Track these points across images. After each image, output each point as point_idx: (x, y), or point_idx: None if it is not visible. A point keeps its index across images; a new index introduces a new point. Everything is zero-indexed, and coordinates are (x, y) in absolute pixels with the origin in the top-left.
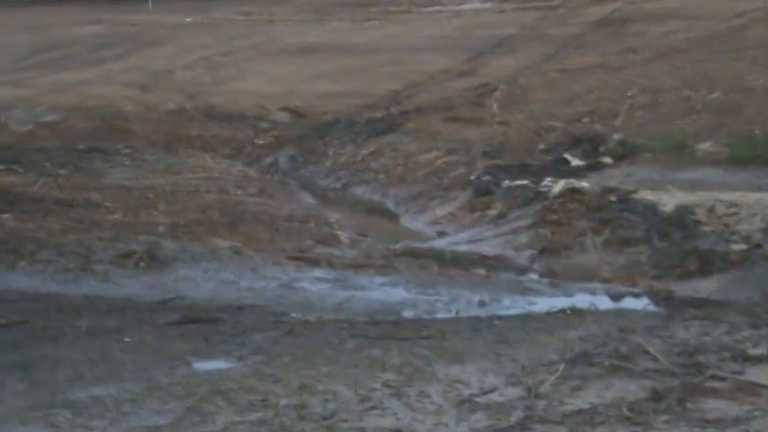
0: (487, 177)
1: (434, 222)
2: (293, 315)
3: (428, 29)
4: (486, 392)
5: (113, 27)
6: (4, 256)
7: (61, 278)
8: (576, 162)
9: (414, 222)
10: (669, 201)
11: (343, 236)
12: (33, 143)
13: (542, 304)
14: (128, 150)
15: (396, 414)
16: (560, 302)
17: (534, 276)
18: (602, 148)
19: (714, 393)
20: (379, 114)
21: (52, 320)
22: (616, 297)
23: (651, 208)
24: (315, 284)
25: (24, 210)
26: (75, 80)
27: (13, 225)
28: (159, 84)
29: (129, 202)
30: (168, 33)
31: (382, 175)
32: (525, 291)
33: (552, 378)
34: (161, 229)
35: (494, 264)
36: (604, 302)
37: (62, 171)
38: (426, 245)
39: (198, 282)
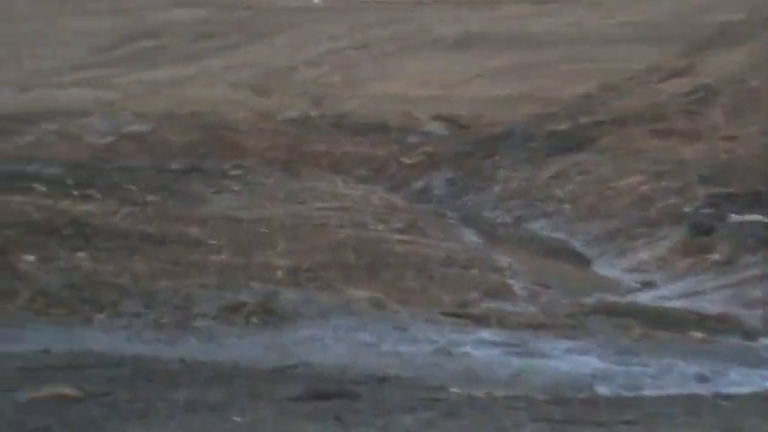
0: (708, 210)
1: (637, 269)
2: (453, 390)
3: (626, 13)
4: None
5: (219, 11)
6: (79, 308)
7: (151, 337)
8: None
9: (609, 269)
10: None
11: (518, 286)
12: (115, 160)
13: None
14: (237, 171)
15: None
16: None
17: None
18: None
19: None
20: (563, 126)
21: (140, 392)
22: None
23: None
24: (481, 349)
25: (103, 247)
26: (169, 79)
27: (89, 267)
28: (277, 85)
29: (239, 239)
30: (289, 19)
31: (568, 206)
32: (759, 362)
33: None
34: (279, 274)
35: (716, 325)
36: None
37: (151, 197)
38: (626, 299)
39: (327, 344)
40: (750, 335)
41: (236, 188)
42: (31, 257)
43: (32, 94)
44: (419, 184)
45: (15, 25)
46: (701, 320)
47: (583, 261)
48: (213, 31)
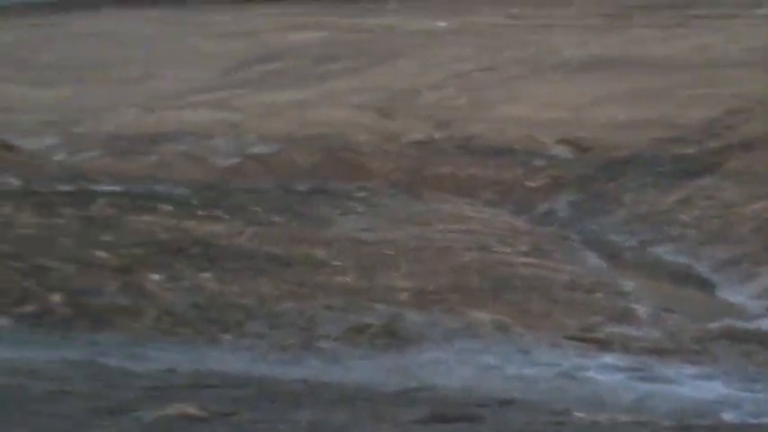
0: None
1: (762, 295)
2: (577, 414)
3: (753, 38)
4: None
5: (342, 33)
6: (205, 328)
7: (276, 357)
8: None
9: (734, 294)
10: None
11: (642, 310)
12: (240, 181)
13: None
14: (361, 193)
15: None
16: None
17: None
18: None
19: None
20: (689, 150)
21: (264, 413)
22: None
23: None
24: (605, 374)
25: (229, 268)
26: (293, 101)
27: (214, 288)
28: (401, 107)
29: (363, 261)
30: (413, 42)
31: (693, 231)
32: None
33: None
34: (403, 296)
35: None
36: None
37: (277, 218)
38: (753, 325)
39: (451, 366)
40: None
41: (360, 210)
42: (157, 277)
43: (158, 115)
44: (544, 207)
45: (141, 47)
46: None
47: (707, 286)
48: (337, 54)
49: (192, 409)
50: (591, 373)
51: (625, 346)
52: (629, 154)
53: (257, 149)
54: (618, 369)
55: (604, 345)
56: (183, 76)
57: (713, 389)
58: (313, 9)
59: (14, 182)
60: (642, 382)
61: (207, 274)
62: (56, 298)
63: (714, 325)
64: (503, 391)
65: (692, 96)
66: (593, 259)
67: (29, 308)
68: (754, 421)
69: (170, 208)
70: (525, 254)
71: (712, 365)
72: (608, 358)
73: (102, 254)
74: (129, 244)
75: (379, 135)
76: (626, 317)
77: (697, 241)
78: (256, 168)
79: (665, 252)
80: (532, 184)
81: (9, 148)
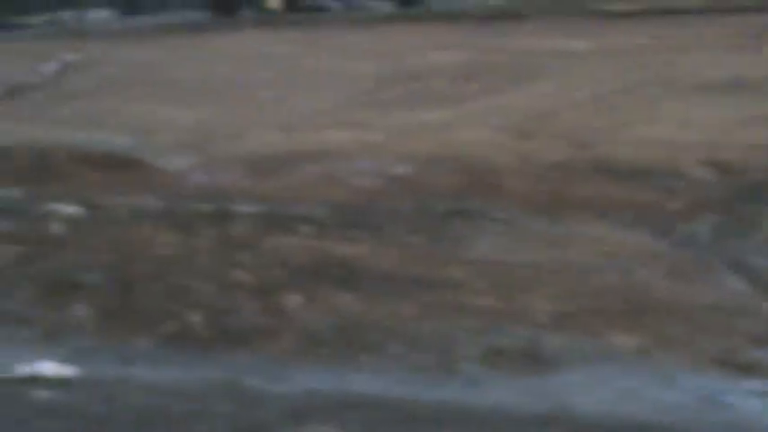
0: None
1: None
2: None
3: None
4: None
5: (482, 54)
6: (344, 350)
7: (415, 379)
8: None
9: None
10: None
11: None
12: (379, 202)
13: None
14: (500, 214)
15: None
16: None
17: None
18: None
19: None
20: None
21: None
22: None
23: None
24: (748, 399)
25: (368, 289)
26: (432, 122)
27: (354, 309)
28: (539, 128)
29: (502, 283)
30: (551, 63)
31: None
32: None
33: None
34: (542, 318)
35: None
36: None
37: (416, 240)
38: None
39: (590, 390)
40: None
41: (499, 231)
42: (297, 298)
43: (297, 135)
44: (684, 229)
45: (280, 67)
46: None
47: None
48: (476, 74)
49: (331, 431)
50: (733, 399)
51: None
52: None
53: (396, 170)
54: (762, 394)
55: (747, 369)
56: (323, 96)
57: None
58: (452, 29)
59: (153, 202)
60: None
61: (347, 296)
62: (196, 318)
63: None
64: (642, 416)
65: None
66: (734, 283)
67: (169, 328)
68: None
69: (309, 229)
70: (665, 277)
71: None
72: (751, 383)
73: (241, 274)
74: (269, 265)
75: (518, 156)
76: None
77: None
78: (395, 189)
79: None
80: (672, 207)
81: (150, 168)
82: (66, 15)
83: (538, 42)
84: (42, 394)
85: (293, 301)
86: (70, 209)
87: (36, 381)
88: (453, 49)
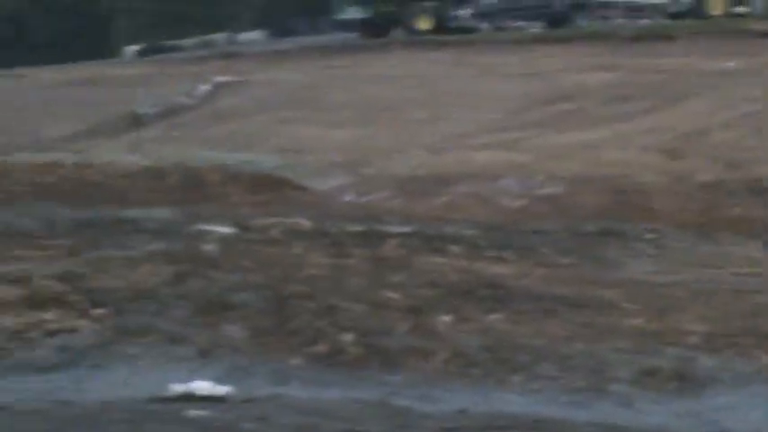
0: None
1: None
2: None
3: None
4: None
5: (632, 74)
6: (494, 369)
7: (567, 400)
8: None
9: None
10: None
11: None
12: (528, 222)
13: None
14: (650, 235)
15: None
16: None
17: None
18: None
19: None
20: None
21: None
22: None
23: None
24: None
25: (518, 309)
26: (581, 142)
27: (504, 328)
28: (690, 148)
29: (653, 303)
30: (702, 82)
31: None
32: None
33: None
34: (695, 339)
35: None
36: None
37: (565, 260)
38: None
39: (744, 411)
40: None
41: (650, 252)
42: (447, 318)
43: (447, 155)
44: None
45: (430, 88)
46: None
47: None
48: (627, 95)
49: None
50: None
51: None
52: None
53: (545, 190)
54: None
55: None
56: (472, 117)
57: None
58: (601, 50)
59: (305, 222)
60: None
61: (496, 316)
62: (347, 338)
63: None
64: None
65: None
66: None
67: (321, 348)
68: None
69: (459, 249)
70: None
71: None
72: None
73: (392, 294)
74: (419, 285)
75: (668, 176)
76: None
77: None
78: (544, 209)
79: None
80: None
81: (300, 188)
82: (219, 37)
83: (686, 62)
84: (196, 413)
85: (443, 320)
86: (222, 229)
87: (190, 399)
88: (602, 70)
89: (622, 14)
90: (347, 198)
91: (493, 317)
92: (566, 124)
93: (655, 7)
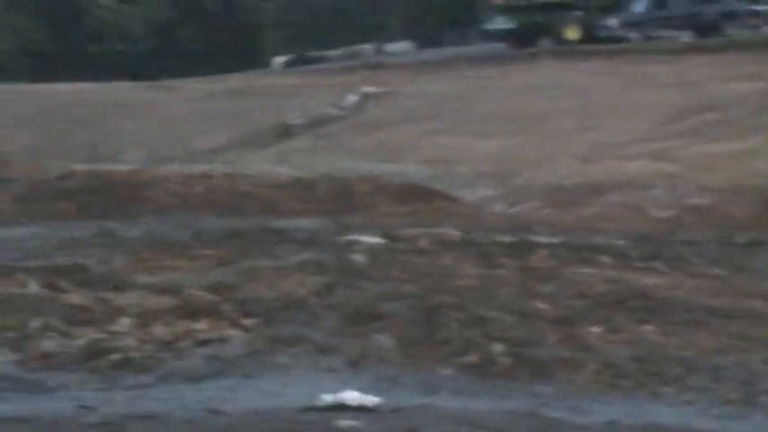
0: None
1: None
2: None
3: None
4: None
5: None
6: (646, 381)
7: (719, 412)
8: None
9: None
10: None
11: None
12: (677, 233)
13: None
14: None
15: None
16: None
17: None
18: None
19: None
20: None
21: None
22: None
23: None
24: None
25: (669, 320)
26: (731, 151)
27: (655, 339)
28: None
29: None
30: None
31: None
32: None
33: None
34: None
35: None
36: None
37: (716, 271)
38: None
39: None
40: None
41: None
42: (597, 329)
43: (596, 165)
44: None
45: (578, 98)
46: None
47: None
48: None
49: None
50: None
51: None
52: None
53: (694, 201)
54: None
55: None
56: (621, 126)
57: None
58: (752, 59)
59: (454, 233)
60: None
61: (647, 327)
62: (497, 348)
63: None
64: None
65: None
66: None
67: (471, 358)
68: None
69: (609, 260)
70: None
71: None
72: None
73: (541, 305)
74: (569, 295)
75: None
76: None
77: None
78: (694, 220)
79: None
80: None
81: (449, 198)
82: (366, 48)
83: None
84: (347, 423)
85: (593, 331)
86: (371, 239)
87: (341, 409)
88: (752, 79)
89: None
90: (496, 208)
91: (643, 328)
92: (715, 134)
93: None
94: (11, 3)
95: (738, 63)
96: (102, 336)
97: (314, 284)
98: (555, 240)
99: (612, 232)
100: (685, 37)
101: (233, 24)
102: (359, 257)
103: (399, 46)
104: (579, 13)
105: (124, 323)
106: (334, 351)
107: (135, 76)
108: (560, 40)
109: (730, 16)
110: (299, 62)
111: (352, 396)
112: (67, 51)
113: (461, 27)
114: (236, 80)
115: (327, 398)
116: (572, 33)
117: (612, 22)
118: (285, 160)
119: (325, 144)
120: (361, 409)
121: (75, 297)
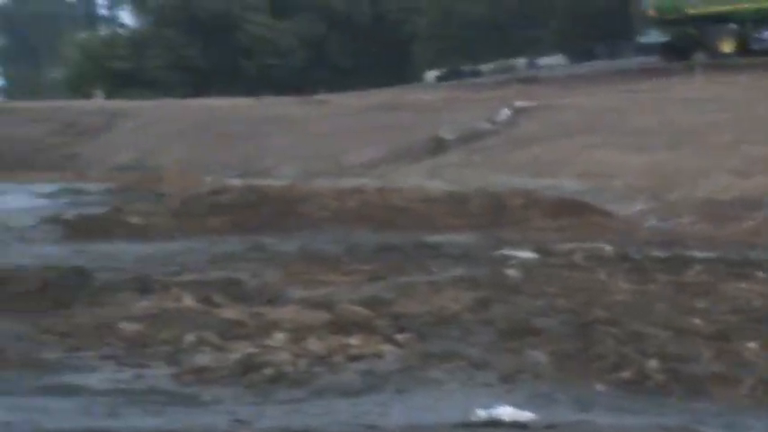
0: None
1: None
2: None
3: None
4: None
5: None
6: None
7: None
8: None
9: None
10: None
11: None
12: None
13: None
14: None
15: None
16: None
17: None
18: None
19: None
20: None
21: None
22: None
23: None
24: None
25: None
26: None
27: None
28: None
29: None
30: None
31: None
32: None
33: None
34: None
35: None
36: None
37: None
38: None
39: None
40: None
41: None
42: (753, 345)
43: (751, 180)
44: None
45: (734, 112)
46: None
47: None
48: None
49: None
50: None
51: None
52: None
53: None
54: None
55: None
56: None
57: None
58: None
59: (608, 248)
60: None
61: None
62: (652, 364)
63: None
64: None
65: None
66: None
67: (625, 374)
68: None
69: (764, 275)
70: None
71: None
72: None
73: (696, 320)
74: (724, 311)
75: None
76: None
77: None
78: None
79: None
80: None
81: (602, 213)
82: (518, 62)
83: None
84: None
85: (749, 347)
86: (524, 254)
87: (495, 425)
88: None
89: None
90: (650, 223)
91: None
92: None
93: None
94: (162, 19)
95: None
96: (256, 350)
97: (467, 300)
98: (709, 255)
99: None
100: None
101: (384, 38)
102: (513, 272)
103: (552, 59)
104: (734, 26)
105: (278, 338)
106: (488, 366)
107: (285, 90)
108: (715, 53)
109: None
110: (452, 76)
111: (506, 412)
112: (219, 66)
113: (613, 40)
114: (387, 94)
115: (482, 413)
116: (727, 46)
117: None
118: (437, 174)
119: (477, 158)
120: (516, 426)
121: (230, 311)
